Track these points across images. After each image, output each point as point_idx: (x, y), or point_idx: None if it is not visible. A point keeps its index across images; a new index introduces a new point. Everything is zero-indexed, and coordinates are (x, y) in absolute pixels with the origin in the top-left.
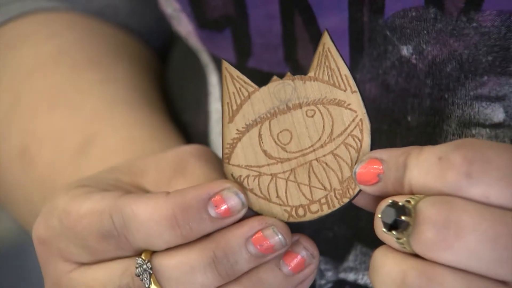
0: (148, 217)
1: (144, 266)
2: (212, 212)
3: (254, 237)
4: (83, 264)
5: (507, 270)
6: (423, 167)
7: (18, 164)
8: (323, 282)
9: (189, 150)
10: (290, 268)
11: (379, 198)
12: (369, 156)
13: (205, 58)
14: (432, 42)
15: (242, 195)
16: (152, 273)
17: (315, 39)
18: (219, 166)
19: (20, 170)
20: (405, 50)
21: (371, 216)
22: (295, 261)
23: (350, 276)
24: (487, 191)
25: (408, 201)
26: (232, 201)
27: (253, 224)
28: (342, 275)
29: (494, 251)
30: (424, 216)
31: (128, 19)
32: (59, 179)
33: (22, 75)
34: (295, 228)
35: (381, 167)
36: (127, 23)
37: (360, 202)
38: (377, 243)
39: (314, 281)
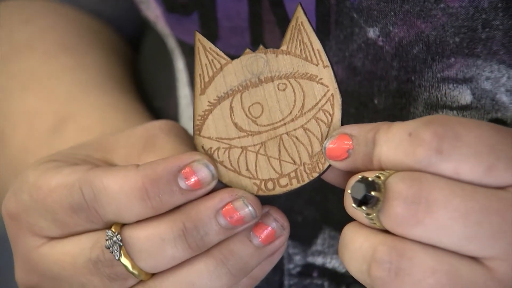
0: (118, 189)
1: (114, 239)
2: (182, 184)
3: (224, 209)
4: (52, 238)
5: (478, 247)
6: (393, 143)
7: None
8: (291, 266)
9: (158, 125)
10: (260, 239)
11: (349, 174)
12: (339, 132)
13: (172, 43)
14: (399, 24)
15: (212, 167)
16: (122, 245)
17: (282, 22)
18: (188, 141)
19: None
20: (372, 32)
21: (339, 199)
22: (265, 232)
23: (318, 260)
24: (458, 167)
25: (378, 177)
26: (202, 173)
27: (223, 196)
28: (310, 259)
29: (465, 227)
30: (393, 191)
31: (98, 6)
32: (32, 158)
33: None
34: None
35: (351, 142)
36: (98, 9)
37: (329, 177)
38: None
39: (282, 265)
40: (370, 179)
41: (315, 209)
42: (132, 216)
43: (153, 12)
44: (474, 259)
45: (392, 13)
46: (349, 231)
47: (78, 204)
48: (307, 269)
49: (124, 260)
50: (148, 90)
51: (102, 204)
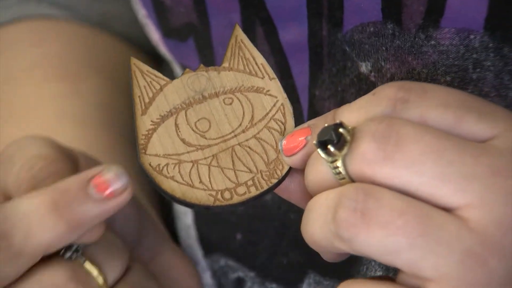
0: (28, 204)
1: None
2: (92, 191)
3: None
4: None
5: (450, 189)
6: (356, 106)
7: None
8: None
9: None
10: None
11: (309, 195)
12: (295, 129)
13: (177, 69)
14: (391, 59)
15: (122, 172)
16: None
17: (276, 52)
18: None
19: None
20: (364, 67)
21: None
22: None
23: None
24: (425, 114)
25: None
26: (112, 179)
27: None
28: None
29: (437, 165)
30: (361, 130)
31: (128, 28)
32: None
33: None
34: (251, 253)
35: (309, 130)
36: (127, 32)
37: (291, 193)
38: (331, 271)
39: None
40: (338, 121)
41: (299, 252)
42: (45, 233)
43: (153, 35)
44: (447, 210)
45: (384, 48)
46: (311, 201)
47: None
48: None
49: None
50: None
51: (13, 224)
